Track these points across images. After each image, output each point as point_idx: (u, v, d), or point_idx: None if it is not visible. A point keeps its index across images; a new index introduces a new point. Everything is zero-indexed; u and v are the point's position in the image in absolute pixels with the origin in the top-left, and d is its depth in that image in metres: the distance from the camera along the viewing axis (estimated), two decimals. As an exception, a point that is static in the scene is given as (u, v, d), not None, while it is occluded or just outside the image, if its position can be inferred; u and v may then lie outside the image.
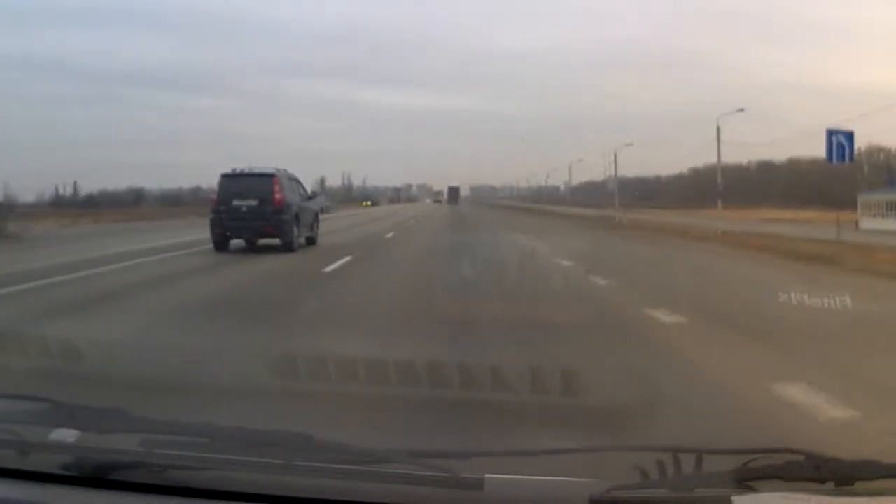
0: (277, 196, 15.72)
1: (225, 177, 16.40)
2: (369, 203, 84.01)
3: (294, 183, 17.30)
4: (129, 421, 1.88)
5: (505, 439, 2.93)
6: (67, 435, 1.78)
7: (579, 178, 77.59)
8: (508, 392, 3.73)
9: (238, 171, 16.52)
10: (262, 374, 4.29)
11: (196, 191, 69.60)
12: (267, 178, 16.00)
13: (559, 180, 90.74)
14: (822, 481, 1.53)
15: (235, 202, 15.70)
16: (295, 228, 16.05)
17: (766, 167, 56.06)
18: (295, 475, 1.62)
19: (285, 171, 16.85)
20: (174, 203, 57.42)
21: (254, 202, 15.64)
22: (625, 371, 4.44)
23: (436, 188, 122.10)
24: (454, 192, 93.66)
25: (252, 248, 16.06)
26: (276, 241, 15.62)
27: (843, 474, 1.54)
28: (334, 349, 5.00)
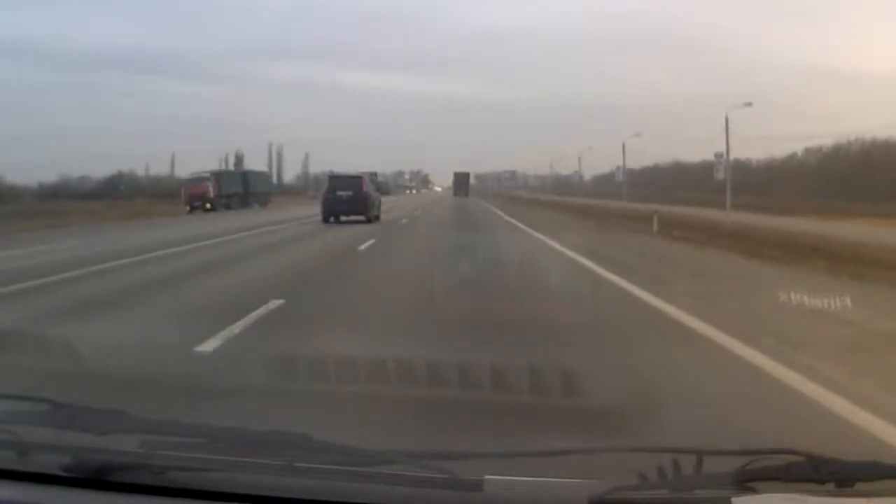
0: (364, 189, 25.47)
1: (331, 177, 27.12)
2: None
3: (370, 182, 27.93)
4: (129, 422, 1.88)
5: (505, 440, 2.92)
6: (68, 436, 1.78)
7: (607, 166, 66.62)
8: (508, 392, 3.73)
9: (339, 174, 27.80)
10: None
11: (117, 178, 59.72)
12: (358, 178, 26.28)
13: (571, 168, 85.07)
14: (822, 482, 1.53)
15: (338, 192, 25.17)
16: (372, 209, 25.63)
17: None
18: (295, 476, 1.62)
19: (367, 173, 29.23)
20: (53, 196, 45.00)
21: (350, 192, 25.06)
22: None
23: (433, 176, 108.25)
24: (462, 180, 74.19)
25: (338, 221, 24.75)
26: (361, 217, 24.75)
27: (843, 475, 1.54)
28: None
